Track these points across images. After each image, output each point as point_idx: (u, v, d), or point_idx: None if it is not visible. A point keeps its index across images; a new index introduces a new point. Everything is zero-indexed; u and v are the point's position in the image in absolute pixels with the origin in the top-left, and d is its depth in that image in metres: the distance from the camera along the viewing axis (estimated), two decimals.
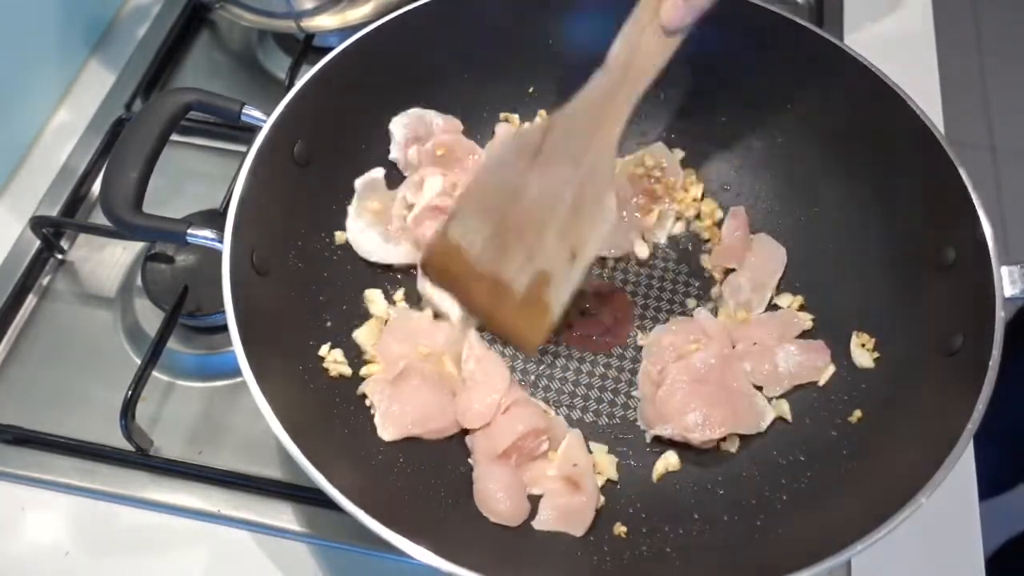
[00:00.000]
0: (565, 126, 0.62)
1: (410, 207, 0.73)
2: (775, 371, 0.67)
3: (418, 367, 0.65)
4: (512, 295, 0.66)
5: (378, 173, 0.73)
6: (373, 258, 0.71)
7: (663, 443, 0.66)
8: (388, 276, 0.73)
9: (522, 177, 0.64)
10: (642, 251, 0.75)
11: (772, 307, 0.72)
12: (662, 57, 0.59)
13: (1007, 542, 1.15)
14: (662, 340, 0.69)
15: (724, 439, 0.65)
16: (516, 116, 0.79)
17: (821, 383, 0.67)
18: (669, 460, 0.65)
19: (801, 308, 0.71)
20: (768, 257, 0.73)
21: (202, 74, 0.92)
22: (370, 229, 0.72)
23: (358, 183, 0.72)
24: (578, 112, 0.61)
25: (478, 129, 0.78)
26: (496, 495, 0.60)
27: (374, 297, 0.71)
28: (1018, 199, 1.91)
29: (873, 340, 0.66)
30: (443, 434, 0.65)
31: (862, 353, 0.66)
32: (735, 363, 0.67)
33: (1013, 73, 2.14)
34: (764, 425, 0.65)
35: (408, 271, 0.73)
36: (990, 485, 0.77)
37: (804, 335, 0.70)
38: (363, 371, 0.66)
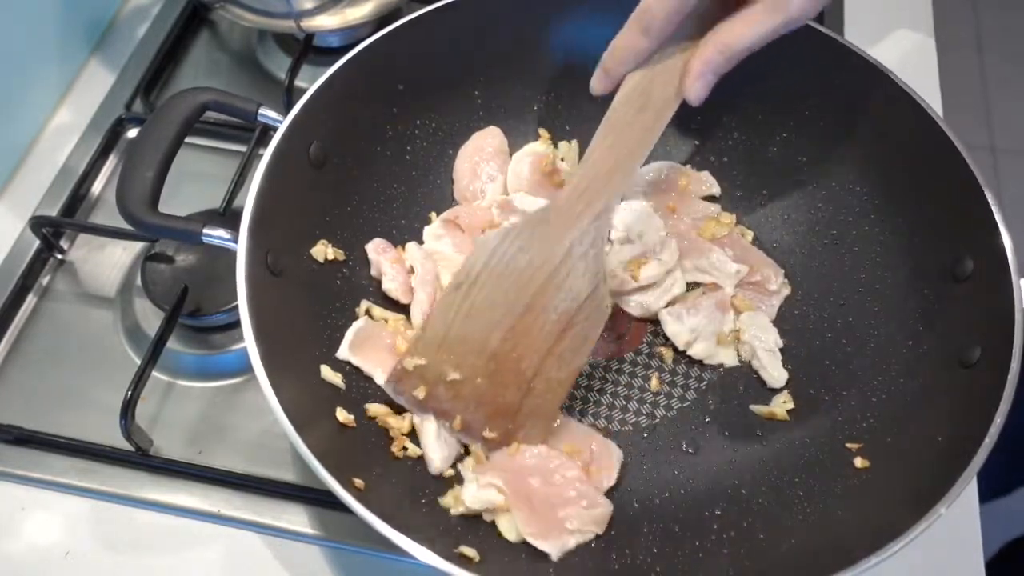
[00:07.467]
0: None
1: None
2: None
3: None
4: (512, 412, 0.61)
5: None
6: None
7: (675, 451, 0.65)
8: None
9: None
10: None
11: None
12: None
13: (1007, 545, 1.15)
14: None
15: None
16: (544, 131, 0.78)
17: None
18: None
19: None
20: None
21: (202, 74, 0.92)
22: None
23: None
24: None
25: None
26: None
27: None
28: (1018, 199, 1.91)
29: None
30: None
31: None
32: None
33: (1013, 73, 2.14)
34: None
35: None
36: (990, 488, 0.77)
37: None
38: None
